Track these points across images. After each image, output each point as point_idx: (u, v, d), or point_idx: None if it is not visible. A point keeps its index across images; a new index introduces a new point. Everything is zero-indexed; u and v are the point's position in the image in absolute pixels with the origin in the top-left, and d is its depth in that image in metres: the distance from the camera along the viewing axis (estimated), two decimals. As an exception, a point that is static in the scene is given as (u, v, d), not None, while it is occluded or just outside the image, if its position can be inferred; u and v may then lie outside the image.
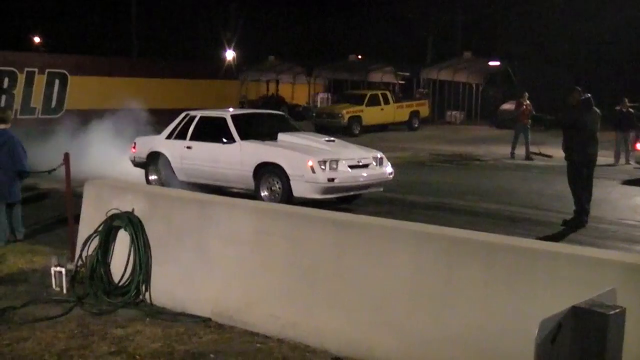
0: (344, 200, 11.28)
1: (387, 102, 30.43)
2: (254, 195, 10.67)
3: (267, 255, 5.39)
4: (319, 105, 38.00)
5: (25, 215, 8.56)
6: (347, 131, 27.10)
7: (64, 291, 6.23)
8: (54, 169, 8.08)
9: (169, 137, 12.32)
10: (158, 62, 36.03)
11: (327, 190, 10.40)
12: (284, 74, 43.10)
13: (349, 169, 10.70)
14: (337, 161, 10.56)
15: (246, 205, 6.00)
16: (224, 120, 11.61)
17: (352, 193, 11.07)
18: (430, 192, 13.13)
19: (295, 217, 5.51)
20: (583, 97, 9.87)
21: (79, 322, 5.48)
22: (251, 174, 10.90)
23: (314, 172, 10.27)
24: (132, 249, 6.06)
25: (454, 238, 4.69)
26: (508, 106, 34.39)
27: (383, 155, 11.43)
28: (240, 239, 5.56)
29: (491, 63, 36.66)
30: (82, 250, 6.43)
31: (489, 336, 4.26)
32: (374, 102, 29.76)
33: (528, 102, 19.71)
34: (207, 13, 47.99)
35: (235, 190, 11.20)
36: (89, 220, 6.59)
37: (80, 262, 6.42)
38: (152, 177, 12.49)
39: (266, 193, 10.75)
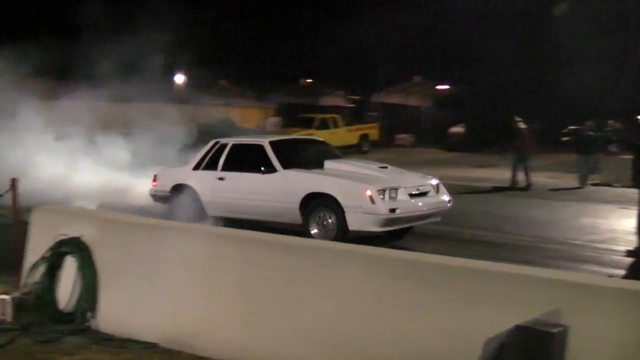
0: (395, 234, 10.04)
1: (336, 125, 30.64)
2: (301, 231, 9.57)
3: (219, 280, 5.36)
4: (268, 129, 37.99)
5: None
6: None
7: (9, 319, 6.08)
8: (1, 195, 7.89)
9: (196, 167, 11.20)
10: (102, 86, 35.40)
11: (387, 222, 9.32)
12: (235, 98, 43.01)
13: (409, 198, 9.64)
14: (396, 189, 9.50)
15: (198, 230, 5.98)
16: (261, 147, 10.54)
17: (412, 224, 9.98)
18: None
19: (247, 241, 5.51)
20: None
21: (24, 351, 5.34)
22: (297, 206, 9.78)
23: (373, 202, 9.19)
24: (79, 276, 5.96)
25: (405, 261, 4.74)
26: (457, 129, 34.96)
27: (439, 182, 10.44)
28: (192, 264, 5.52)
29: (440, 87, 37.25)
30: (27, 277, 6.29)
31: (435, 356, 4.29)
32: (323, 125, 29.93)
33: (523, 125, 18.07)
34: (158, 35, 47.64)
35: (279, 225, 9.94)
36: (37, 247, 6.46)
37: (26, 289, 6.29)
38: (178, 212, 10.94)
39: (316, 230, 9.64)
